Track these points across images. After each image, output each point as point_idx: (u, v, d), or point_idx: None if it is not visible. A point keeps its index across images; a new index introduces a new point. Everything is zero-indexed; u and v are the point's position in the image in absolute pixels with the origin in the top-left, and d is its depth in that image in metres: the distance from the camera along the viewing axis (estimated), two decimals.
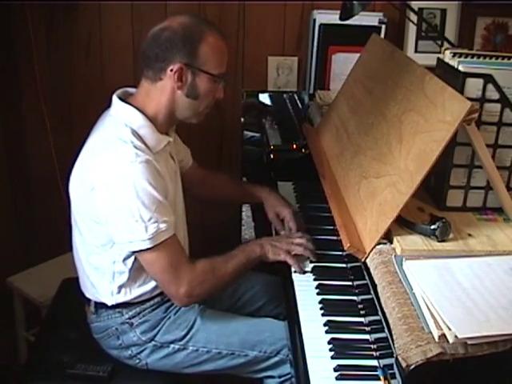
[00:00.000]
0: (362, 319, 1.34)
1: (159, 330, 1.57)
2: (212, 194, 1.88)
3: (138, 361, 1.58)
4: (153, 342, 1.57)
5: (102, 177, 1.40)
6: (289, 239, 1.58)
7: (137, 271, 1.52)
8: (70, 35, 2.37)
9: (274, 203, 1.77)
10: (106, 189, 1.39)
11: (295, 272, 1.51)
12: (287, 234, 1.66)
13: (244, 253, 1.54)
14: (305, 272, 1.51)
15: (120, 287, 1.53)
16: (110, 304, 1.55)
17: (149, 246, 1.40)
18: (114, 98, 1.51)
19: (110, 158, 1.40)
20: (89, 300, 1.60)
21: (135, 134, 1.44)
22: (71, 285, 1.73)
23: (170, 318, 1.58)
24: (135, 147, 1.40)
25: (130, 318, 1.56)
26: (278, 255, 1.53)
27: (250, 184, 1.94)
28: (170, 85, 1.46)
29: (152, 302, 1.58)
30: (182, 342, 1.57)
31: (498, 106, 1.32)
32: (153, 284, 1.55)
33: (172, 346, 1.57)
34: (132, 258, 1.49)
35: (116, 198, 1.39)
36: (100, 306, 1.57)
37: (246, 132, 2.28)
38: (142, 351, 1.57)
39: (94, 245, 1.50)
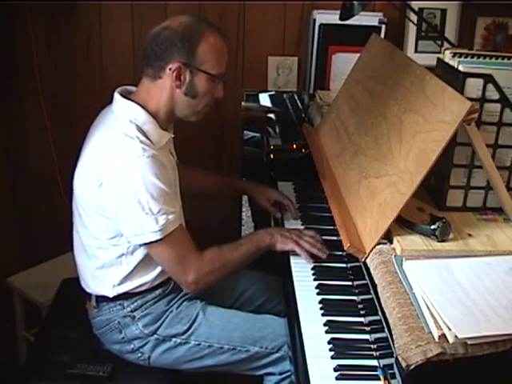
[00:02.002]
0: (361, 319, 1.34)
1: (161, 324, 1.58)
2: (190, 186, 1.84)
3: (140, 355, 1.59)
4: (155, 336, 1.57)
5: (111, 172, 1.42)
6: (300, 233, 1.61)
7: (142, 263, 1.54)
8: (70, 35, 2.37)
9: (261, 190, 1.85)
10: (114, 184, 1.42)
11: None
12: (299, 229, 1.67)
13: (253, 242, 1.57)
14: (310, 260, 1.54)
15: (123, 278, 1.55)
16: (111, 296, 1.56)
17: (159, 237, 1.43)
18: (116, 95, 1.53)
19: (117, 154, 1.42)
20: (89, 295, 1.61)
21: (140, 130, 1.46)
22: (71, 285, 1.74)
23: (172, 311, 1.59)
24: (141, 142, 1.43)
25: (132, 311, 1.57)
26: (286, 244, 1.56)
27: (230, 177, 2.03)
28: (169, 83, 1.48)
29: (154, 295, 1.58)
30: (184, 336, 1.57)
31: (498, 106, 1.32)
32: (153, 274, 1.56)
33: (174, 339, 1.58)
34: (139, 251, 1.51)
35: (125, 192, 1.41)
36: (101, 299, 1.58)
37: (246, 132, 2.28)
38: (144, 345, 1.58)
39: (101, 239, 1.52)
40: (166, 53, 1.45)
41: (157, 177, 1.41)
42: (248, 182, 1.94)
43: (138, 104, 1.50)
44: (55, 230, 1.95)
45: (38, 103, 2.39)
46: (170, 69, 1.46)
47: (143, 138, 1.44)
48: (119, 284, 1.55)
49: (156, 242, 1.44)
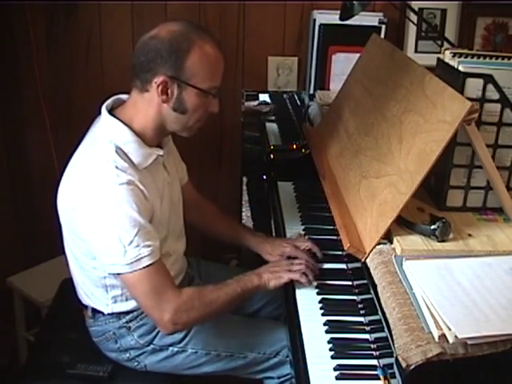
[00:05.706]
0: (361, 319, 1.34)
1: (157, 333, 1.55)
2: (202, 222, 1.77)
3: (136, 363, 1.57)
4: (151, 346, 1.55)
5: (83, 197, 1.35)
6: (288, 262, 1.50)
7: None
8: (70, 35, 2.37)
9: (270, 247, 1.63)
10: (86, 210, 1.35)
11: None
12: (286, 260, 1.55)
13: (239, 283, 1.45)
14: (311, 282, 1.45)
15: (114, 298, 1.51)
16: (106, 312, 1.53)
17: (128, 271, 1.34)
18: (103, 110, 1.45)
19: (90, 179, 1.35)
20: (86, 306, 1.58)
21: (119, 151, 1.37)
22: (71, 285, 1.73)
23: None
24: (117, 168, 1.34)
25: (127, 322, 1.54)
26: (281, 278, 1.46)
27: (244, 226, 1.84)
28: (156, 97, 1.38)
29: None
30: (180, 345, 1.55)
31: (498, 106, 1.32)
32: None
33: (171, 348, 1.55)
34: None
35: (96, 219, 1.34)
36: (97, 311, 1.55)
37: (246, 132, 2.28)
38: (140, 354, 1.56)
39: (82, 260, 1.48)
40: (152, 64, 1.35)
41: (130, 206, 1.32)
42: (256, 238, 1.69)
43: (122, 121, 1.40)
44: (55, 230, 1.94)
45: (38, 103, 2.39)
46: (155, 82, 1.36)
47: (120, 162, 1.35)
48: (114, 303, 1.51)
49: (126, 274, 1.35)
